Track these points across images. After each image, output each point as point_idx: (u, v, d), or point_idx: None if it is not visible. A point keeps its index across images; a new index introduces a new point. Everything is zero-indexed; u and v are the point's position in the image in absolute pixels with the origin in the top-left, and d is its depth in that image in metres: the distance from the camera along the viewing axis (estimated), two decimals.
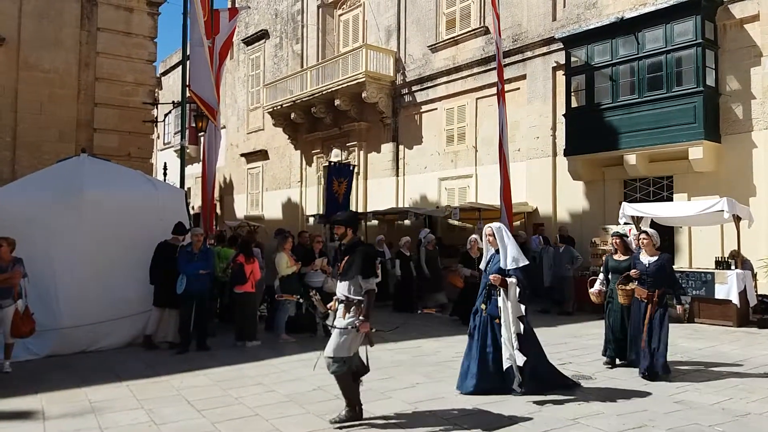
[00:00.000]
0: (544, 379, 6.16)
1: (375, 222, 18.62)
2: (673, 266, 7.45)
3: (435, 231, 17.53)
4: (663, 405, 5.73)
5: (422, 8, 19.04)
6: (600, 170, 14.22)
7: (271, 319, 9.48)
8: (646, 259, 7.02)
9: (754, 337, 9.57)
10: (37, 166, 11.57)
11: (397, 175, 19.63)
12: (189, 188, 19.38)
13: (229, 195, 28.18)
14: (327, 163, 18.12)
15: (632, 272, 7.06)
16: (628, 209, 11.66)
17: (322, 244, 10.64)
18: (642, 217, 11.85)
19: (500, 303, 6.05)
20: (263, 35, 26.31)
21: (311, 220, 20.98)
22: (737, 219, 10.79)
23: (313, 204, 22.87)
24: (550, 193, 15.11)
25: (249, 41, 27.00)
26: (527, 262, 6.11)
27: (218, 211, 24.14)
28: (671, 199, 12.92)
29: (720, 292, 10.60)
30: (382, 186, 20.05)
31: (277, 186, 25.06)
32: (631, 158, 13.08)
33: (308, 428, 5.16)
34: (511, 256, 6.02)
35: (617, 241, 7.62)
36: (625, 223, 11.91)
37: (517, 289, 5.97)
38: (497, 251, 6.20)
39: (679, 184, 12.95)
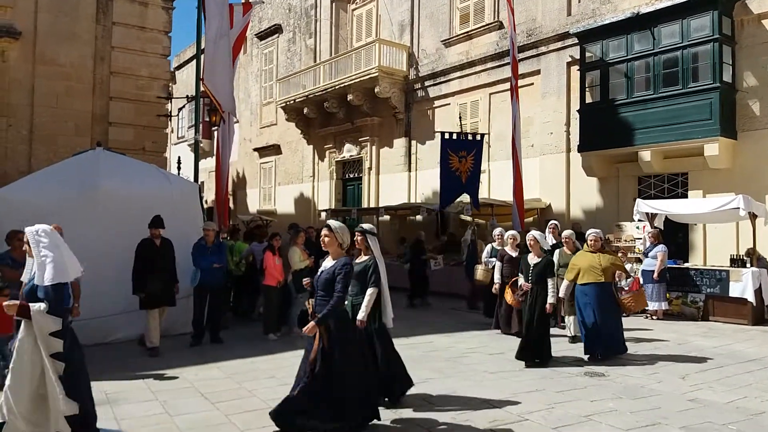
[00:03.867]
0: None
1: (387, 217, 18.62)
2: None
3: (447, 226, 17.57)
4: (676, 403, 5.70)
5: (436, 3, 18.96)
6: (614, 166, 14.12)
7: (283, 313, 9.52)
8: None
9: None
10: (53, 159, 11.68)
11: (410, 171, 19.60)
12: (202, 182, 19.50)
13: (242, 189, 28.30)
14: (440, 133, 15.01)
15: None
16: (643, 206, 11.60)
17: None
18: (656, 214, 11.79)
19: None
20: (276, 30, 26.34)
21: (323, 214, 21.01)
22: (753, 216, 10.69)
23: (325, 199, 22.92)
24: (564, 189, 15.02)
25: (262, 36, 27.04)
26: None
27: (231, 205, 24.23)
28: (686, 196, 12.81)
29: (735, 291, 10.51)
30: (394, 181, 20.04)
31: (290, 180, 25.13)
32: (646, 155, 12.97)
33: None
34: None
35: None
36: (639, 220, 11.87)
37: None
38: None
39: (694, 181, 12.83)
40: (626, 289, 9.22)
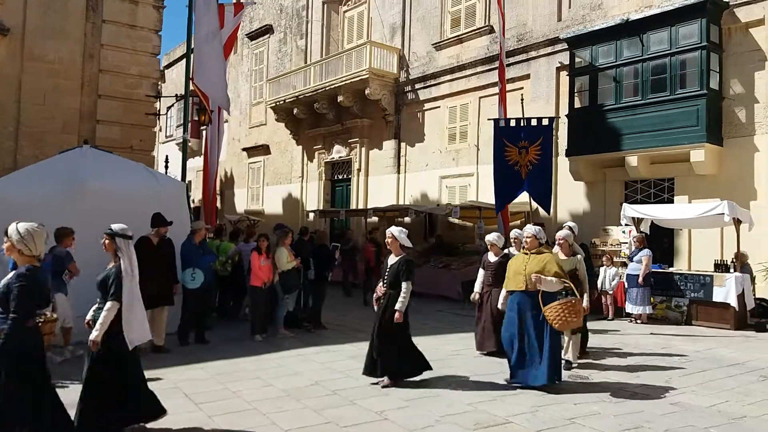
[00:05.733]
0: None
1: (375, 218, 18.63)
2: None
3: (435, 229, 17.61)
4: (659, 407, 5.75)
5: (427, 6, 19.02)
6: (601, 171, 14.21)
7: (270, 314, 9.50)
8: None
9: (752, 340, 9.58)
10: (40, 156, 11.59)
11: (399, 173, 19.63)
12: (190, 181, 19.40)
13: (229, 189, 28.20)
14: (493, 121, 12.99)
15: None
16: (629, 210, 11.67)
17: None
18: (642, 219, 11.88)
19: None
20: (267, 30, 26.29)
21: (311, 215, 20.99)
22: (738, 222, 10.79)
23: (313, 199, 22.89)
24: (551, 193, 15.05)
25: (253, 36, 26.98)
26: None
27: (219, 204, 24.15)
28: (672, 202, 12.93)
29: (718, 295, 10.61)
30: (383, 183, 20.06)
31: (278, 181, 25.07)
32: (633, 160, 13.08)
33: (305, 423, 5.19)
34: None
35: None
36: (626, 225, 11.96)
37: None
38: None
39: (680, 187, 12.95)
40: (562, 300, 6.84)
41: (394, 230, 6.52)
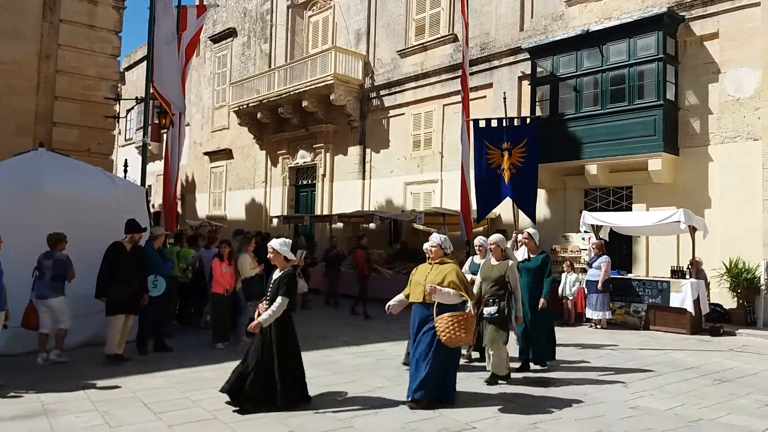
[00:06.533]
0: None
1: (340, 225, 18.57)
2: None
3: (399, 235, 17.63)
4: (619, 410, 5.85)
5: (392, 13, 19.11)
6: (561, 179, 14.46)
7: (231, 321, 9.34)
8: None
9: (706, 344, 9.86)
10: None
11: (364, 179, 19.63)
12: (150, 186, 19.02)
13: (191, 194, 27.76)
14: (471, 121, 12.04)
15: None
16: (588, 218, 11.91)
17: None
18: (601, 226, 12.13)
19: None
20: (231, 33, 26.03)
21: (275, 221, 20.80)
22: (693, 230, 11.11)
23: (277, 205, 22.70)
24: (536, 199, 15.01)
25: (216, 39, 26.67)
26: None
27: (179, 209, 23.73)
28: (630, 209, 13.23)
29: (675, 301, 10.89)
30: (348, 188, 20.02)
31: (241, 186, 24.79)
32: (592, 168, 13.35)
33: (266, 430, 5.11)
34: None
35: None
36: (585, 231, 12.19)
37: None
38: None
39: (638, 195, 13.27)
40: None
41: (274, 243, 6.00)
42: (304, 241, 15.38)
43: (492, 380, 6.79)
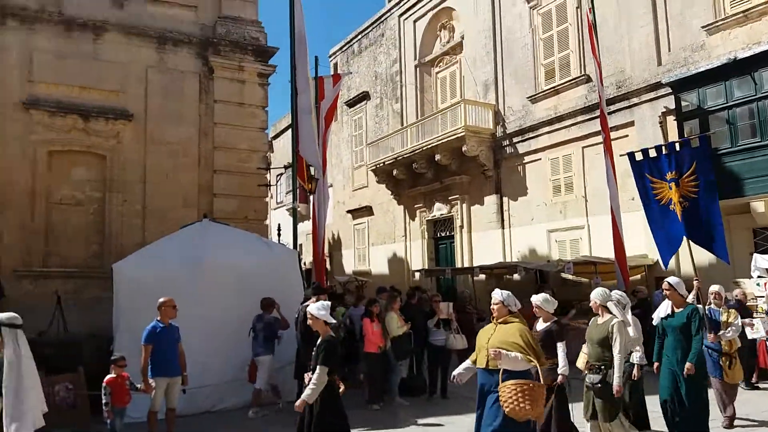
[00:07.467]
0: None
1: (482, 276, 18.33)
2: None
3: (548, 285, 17.00)
4: None
5: (519, 61, 19.07)
6: (724, 219, 13.23)
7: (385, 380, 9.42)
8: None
9: None
10: (164, 231, 12.38)
11: (503, 227, 19.34)
12: (301, 245, 20.08)
13: (337, 251, 28.89)
14: (627, 154, 10.60)
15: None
16: (761, 261, 10.80)
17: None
18: None
19: None
20: (364, 97, 27.33)
21: (417, 274, 21.00)
22: None
23: (418, 258, 22.95)
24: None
25: (351, 103, 28.12)
26: None
27: (328, 266, 24.74)
28: None
29: None
30: (487, 239, 19.81)
31: (383, 240, 25.43)
32: (759, 205, 12.17)
33: None
34: None
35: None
36: (759, 276, 11.01)
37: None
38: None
39: None
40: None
41: (312, 309, 5.61)
42: (465, 291, 14.88)
43: None
